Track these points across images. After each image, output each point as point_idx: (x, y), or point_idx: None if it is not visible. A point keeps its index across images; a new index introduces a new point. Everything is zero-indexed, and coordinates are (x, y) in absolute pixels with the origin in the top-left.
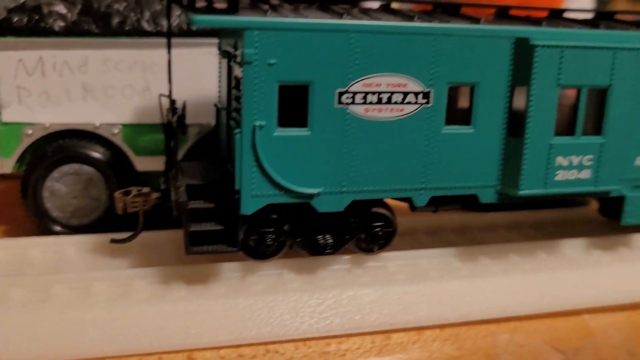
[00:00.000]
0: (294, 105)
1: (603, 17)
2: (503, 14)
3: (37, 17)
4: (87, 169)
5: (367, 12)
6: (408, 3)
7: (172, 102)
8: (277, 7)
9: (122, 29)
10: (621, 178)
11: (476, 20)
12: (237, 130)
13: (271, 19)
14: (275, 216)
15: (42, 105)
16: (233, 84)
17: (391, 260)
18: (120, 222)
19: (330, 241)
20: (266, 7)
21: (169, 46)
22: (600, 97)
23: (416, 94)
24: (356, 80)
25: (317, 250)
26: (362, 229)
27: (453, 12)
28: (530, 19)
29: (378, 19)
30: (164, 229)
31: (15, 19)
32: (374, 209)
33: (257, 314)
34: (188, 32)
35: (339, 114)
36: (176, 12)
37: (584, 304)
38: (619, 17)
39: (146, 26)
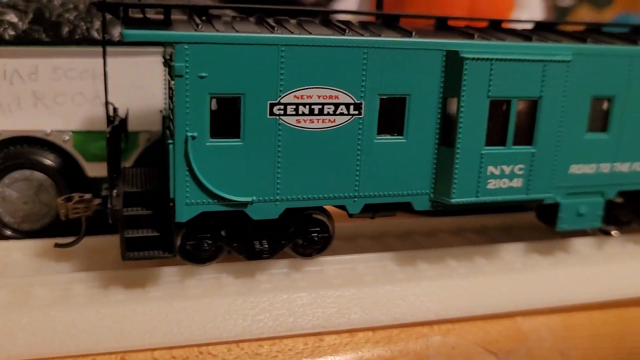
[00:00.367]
0: (226, 116)
1: (544, 28)
2: (442, 25)
3: None
4: (38, 175)
5: (302, 25)
6: (351, 14)
7: (109, 108)
8: (211, 21)
9: (72, 37)
10: (554, 186)
11: (408, 33)
12: (170, 141)
13: (201, 33)
14: (212, 222)
15: None
16: (170, 94)
17: (329, 265)
18: (72, 227)
19: (267, 246)
20: (199, 21)
21: (104, 55)
22: (530, 108)
23: (347, 105)
24: (287, 93)
25: (254, 256)
26: (298, 235)
27: (390, 23)
28: (467, 31)
29: (309, 32)
30: (111, 234)
31: None
32: (312, 215)
33: (192, 317)
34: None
35: (271, 125)
36: None
37: (518, 307)
38: (576, 26)
39: (96, 35)
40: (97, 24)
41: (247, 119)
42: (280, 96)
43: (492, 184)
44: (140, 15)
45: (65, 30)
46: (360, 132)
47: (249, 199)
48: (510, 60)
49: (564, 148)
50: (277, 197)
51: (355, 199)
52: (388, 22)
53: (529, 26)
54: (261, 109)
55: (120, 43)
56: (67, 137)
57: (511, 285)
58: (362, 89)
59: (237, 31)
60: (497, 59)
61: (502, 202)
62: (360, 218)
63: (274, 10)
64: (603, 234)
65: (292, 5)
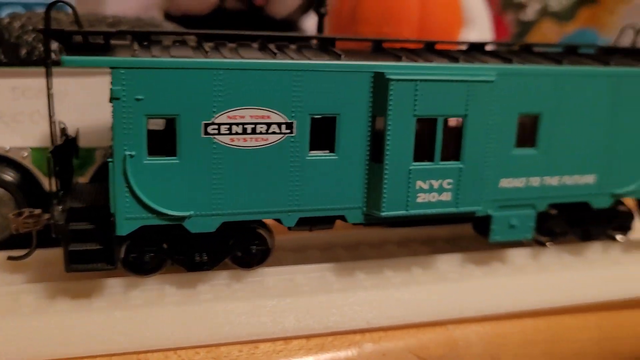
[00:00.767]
0: (163, 135)
1: (476, 49)
2: (377, 47)
3: None
4: None
5: (237, 50)
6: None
7: (57, 127)
8: (149, 46)
9: (30, 58)
10: (485, 199)
11: (337, 56)
12: (109, 159)
13: (137, 58)
14: (154, 235)
15: None
16: None
17: (269, 275)
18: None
19: (206, 259)
20: (136, 46)
21: (47, 75)
22: (456, 125)
23: (279, 124)
24: (221, 113)
25: (194, 267)
26: (237, 248)
27: (326, 47)
28: (397, 53)
29: (242, 57)
30: None
31: None
32: (250, 229)
33: (132, 326)
34: None
35: (206, 144)
36: None
37: (450, 315)
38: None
39: (53, 56)
40: (54, 45)
41: (183, 138)
42: (213, 117)
43: (422, 198)
44: (84, 41)
45: (24, 51)
46: (292, 149)
47: (186, 213)
48: (435, 80)
49: (492, 163)
50: (214, 212)
51: (290, 213)
52: (324, 45)
53: (464, 47)
54: (196, 129)
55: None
56: (25, 154)
57: (444, 294)
58: (293, 109)
59: (172, 56)
60: (421, 80)
61: (433, 215)
62: (300, 231)
63: (215, 35)
64: (538, 245)
65: (264, 22)
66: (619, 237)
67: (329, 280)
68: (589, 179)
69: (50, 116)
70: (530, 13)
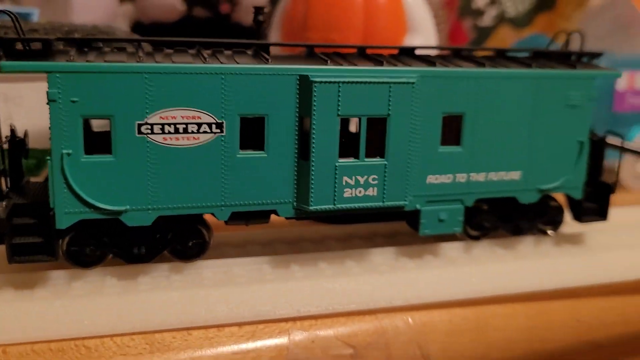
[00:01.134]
0: (100, 134)
1: (406, 53)
2: (310, 52)
3: None
4: None
5: (172, 56)
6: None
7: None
8: (87, 52)
9: None
10: (413, 194)
11: (265, 60)
12: (47, 158)
13: (71, 63)
14: (94, 229)
15: None
16: None
17: (208, 267)
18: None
19: (144, 251)
20: (73, 52)
21: None
22: (380, 125)
23: (210, 124)
24: (153, 114)
25: (133, 260)
26: (175, 241)
27: (258, 52)
28: (325, 57)
29: (172, 61)
30: None
31: None
32: (188, 223)
33: (71, 314)
34: None
35: (140, 142)
36: None
37: (380, 304)
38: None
39: None
40: None
41: (117, 137)
42: (146, 117)
43: (348, 193)
44: (24, 47)
45: None
46: (223, 148)
47: (122, 208)
48: (357, 82)
49: (419, 160)
50: (149, 206)
51: (223, 208)
52: (257, 50)
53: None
54: (130, 129)
55: None
56: None
57: (375, 285)
58: (223, 110)
59: (106, 61)
60: (344, 82)
61: (361, 210)
62: (237, 225)
63: (156, 42)
64: (471, 239)
65: (231, 29)
66: (549, 231)
67: (265, 272)
68: (515, 175)
69: None
70: (487, 19)
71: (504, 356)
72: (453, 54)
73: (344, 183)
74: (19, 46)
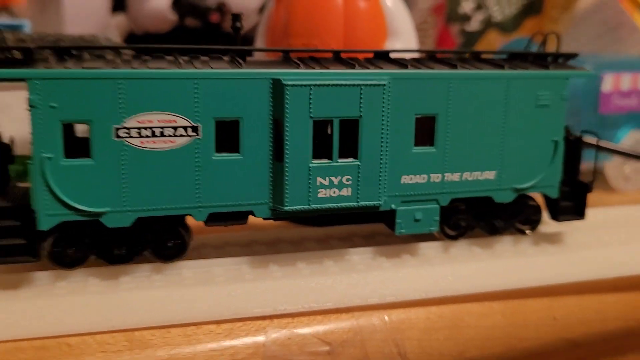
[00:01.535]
0: (83, 140)
1: (380, 56)
2: (286, 57)
3: None
4: None
5: (148, 62)
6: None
7: None
8: (66, 59)
9: None
10: (388, 195)
11: (238, 65)
12: (29, 161)
13: (50, 70)
14: (76, 230)
15: None
16: None
17: (189, 268)
18: None
19: (124, 252)
20: (52, 60)
21: None
22: (352, 126)
23: (185, 128)
24: (130, 118)
25: (114, 260)
26: (155, 242)
27: (234, 58)
28: (298, 61)
29: (147, 67)
30: None
31: None
32: (168, 225)
33: (54, 313)
34: None
35: (118, 146)
36: None
37: (356, 303)
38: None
39: None
40: None
41: (96, 141)
42: (123, 121)
43: (323, 193)
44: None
45: None
46: (199, 151)
47: (102, 209)
48: (328, 85)
49: (392, 161)
50: (128, 208)
51: (200, 209)
52: (234, 56)
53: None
54: (108, 133)
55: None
56: None
57: (351, 283)
58: (198, 114)
59: (83, 68)
60: (315, 85)
61: (335, 210)
62: (217, 226)
63: (136, 49)
64: (448, 238)
65: (223, 38)
66: (527, 230)
67: (244, 271)
68: (490, 175)
69: None
70: (474, 24)
71: (480, 354)
72: (428, 57)
73: (318, 184)
74: (1, 55)
